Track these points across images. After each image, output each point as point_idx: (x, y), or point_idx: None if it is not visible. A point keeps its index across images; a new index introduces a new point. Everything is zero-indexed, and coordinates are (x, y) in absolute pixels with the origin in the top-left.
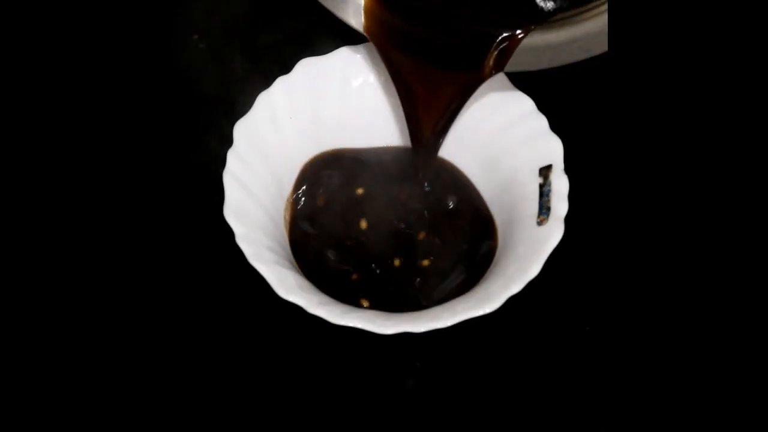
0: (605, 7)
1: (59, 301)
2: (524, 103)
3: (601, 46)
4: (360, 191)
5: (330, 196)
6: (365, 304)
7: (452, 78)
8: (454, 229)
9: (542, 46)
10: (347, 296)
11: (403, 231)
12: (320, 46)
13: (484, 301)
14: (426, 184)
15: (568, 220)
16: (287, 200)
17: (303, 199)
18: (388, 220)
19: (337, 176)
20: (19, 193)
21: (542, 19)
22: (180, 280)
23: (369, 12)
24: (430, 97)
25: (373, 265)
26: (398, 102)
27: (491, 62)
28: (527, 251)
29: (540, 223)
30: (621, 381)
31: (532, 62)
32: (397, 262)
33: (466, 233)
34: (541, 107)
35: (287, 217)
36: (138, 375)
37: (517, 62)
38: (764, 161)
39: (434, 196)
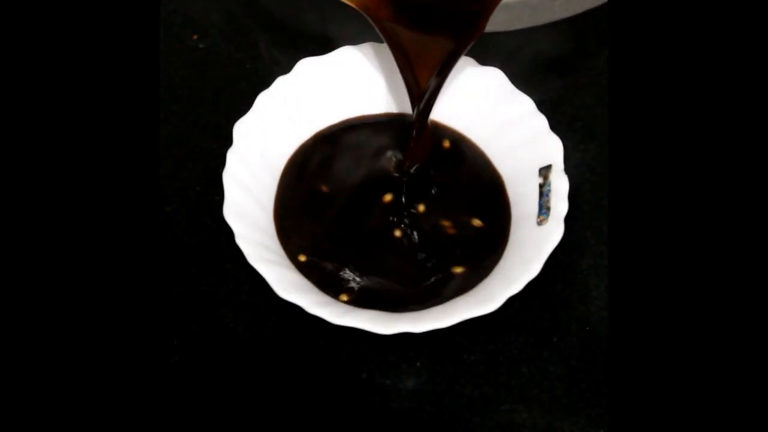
0: None
1: (57, 300)
2: (524, 103)
3: (581, 5)
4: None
5: (323, 188)
6: (344, 298)
7: (434, 40)
8: (464, 226)
9: (520, 3)
10: (331, 288)
11: (403, 225)
12: (320, 46)
13: (484, 301)
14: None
15: (569, 220)
16: (275, 195)
17: (294, 195)
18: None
19: (331, 169)
20: (16, 192)
21: None
22: (180, 280)
23: None
24: (418, 58)
25: (370, 261)
26: (398, 102)
27: (470, 22)
28: (527, 251)
29: (540, 223)
30: (621, 381)
31: (511, 21)
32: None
33: (476, 231)
34: (541, 107)
35: (277, 211)
36: (137, 374)
37: (497, 22)
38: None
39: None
